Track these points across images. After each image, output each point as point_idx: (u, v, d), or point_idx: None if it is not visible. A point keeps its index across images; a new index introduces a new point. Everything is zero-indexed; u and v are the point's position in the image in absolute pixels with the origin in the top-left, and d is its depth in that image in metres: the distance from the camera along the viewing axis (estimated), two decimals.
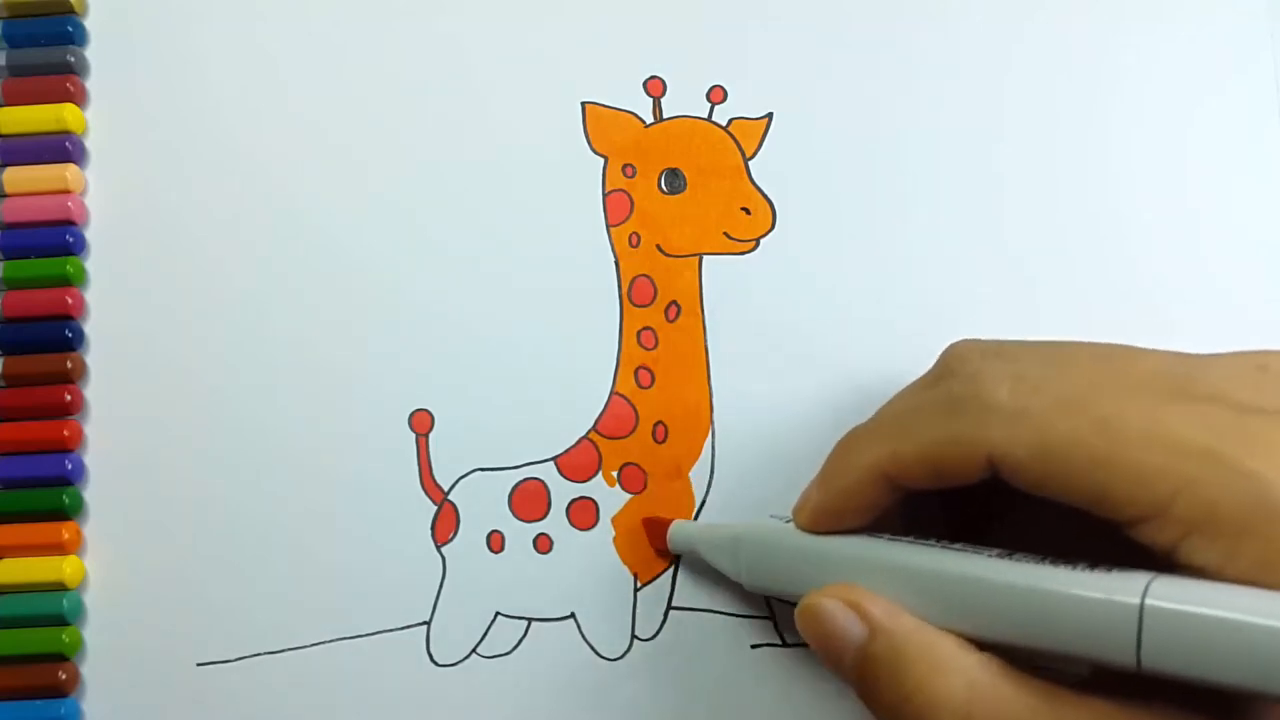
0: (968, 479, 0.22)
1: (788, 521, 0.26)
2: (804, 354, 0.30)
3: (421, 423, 0.30)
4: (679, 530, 0.29)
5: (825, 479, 0.25)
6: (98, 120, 0.32)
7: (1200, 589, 0.19)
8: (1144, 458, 0.20)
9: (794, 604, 0.24)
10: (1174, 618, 0.19)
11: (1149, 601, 0.19)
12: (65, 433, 0.30)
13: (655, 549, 0.29)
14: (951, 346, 0.24)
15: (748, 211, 0.31)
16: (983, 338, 0.25)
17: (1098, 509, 0.20)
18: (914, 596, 0.22)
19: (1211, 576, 0.19)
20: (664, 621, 0.29)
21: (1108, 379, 0.21)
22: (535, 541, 0.29)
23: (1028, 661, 0.21)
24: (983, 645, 0.22)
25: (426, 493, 0.30)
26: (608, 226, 0.31)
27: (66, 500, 0.29)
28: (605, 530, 0.29)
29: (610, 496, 0.30)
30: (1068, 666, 0.21)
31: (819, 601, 0.23)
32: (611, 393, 0.30)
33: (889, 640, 0.22)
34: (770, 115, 0.31)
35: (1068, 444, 0.20)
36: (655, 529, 0.29)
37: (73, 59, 0.31)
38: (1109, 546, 0.21)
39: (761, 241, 0.31)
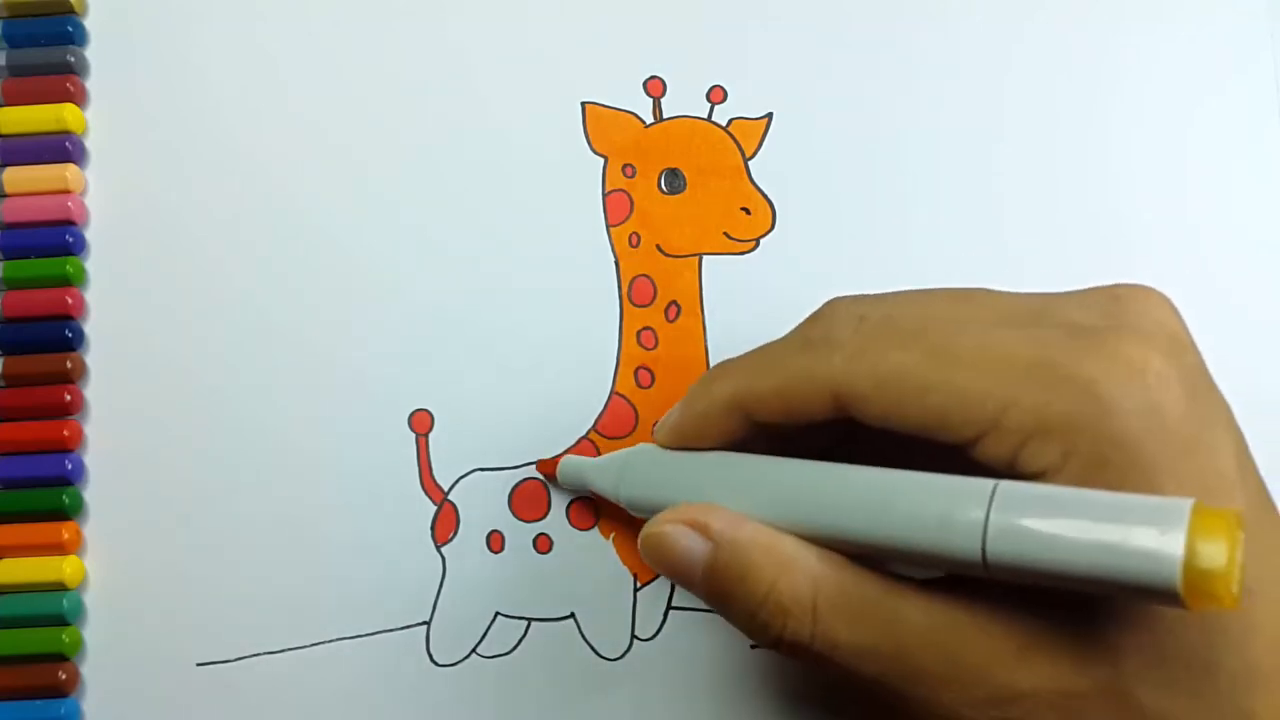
0: (817, 414, 0.23)
1: None
2: None
3: (421, 423, 0.30)
4: (568, 463, 0.29)
5: (686, 402, 0.25)
6: (98, 120, 0.32)
7: (1045, 488, 0.19)
8: (973, 377, 0.20)
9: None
10: (1020, 511, 0.19)
11: (997, 498, 0.19)
12: (65, 433, 0.30)
13: (545, 475, 0.29)
14: (824, 303, 0.25)
15: (748, 211, 0.31)
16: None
17: (937, 434, 0.21)
18: (765, 504, 0.23)
19: (1050, 478, 0.20)
20: (664, 621, 0.29)
21: (954, 315, 0.22)
22: (535, 541, 0.29)
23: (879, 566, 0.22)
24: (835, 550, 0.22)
25: (426, 493, 0.30)
26: (608, 226, 0.31)
27: (66, 500, 0.29)
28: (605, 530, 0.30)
29: None
30: (917, 570, 0.22)
31: (659, 529, 0.23)
32: (611, 393, 0.30)
33: (732, 550, 0.22)
34: (770, 115, 0.31)
35: (900, 373, 0.21)
36: (547, 466, 0.29)
37: (73, 59, 0.31)
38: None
39: (761, 241, 0.31)
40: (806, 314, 0.30)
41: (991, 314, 0.22)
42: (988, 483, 0.20)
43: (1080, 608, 0.20)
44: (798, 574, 0.22)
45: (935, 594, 0.21)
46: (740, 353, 0.30)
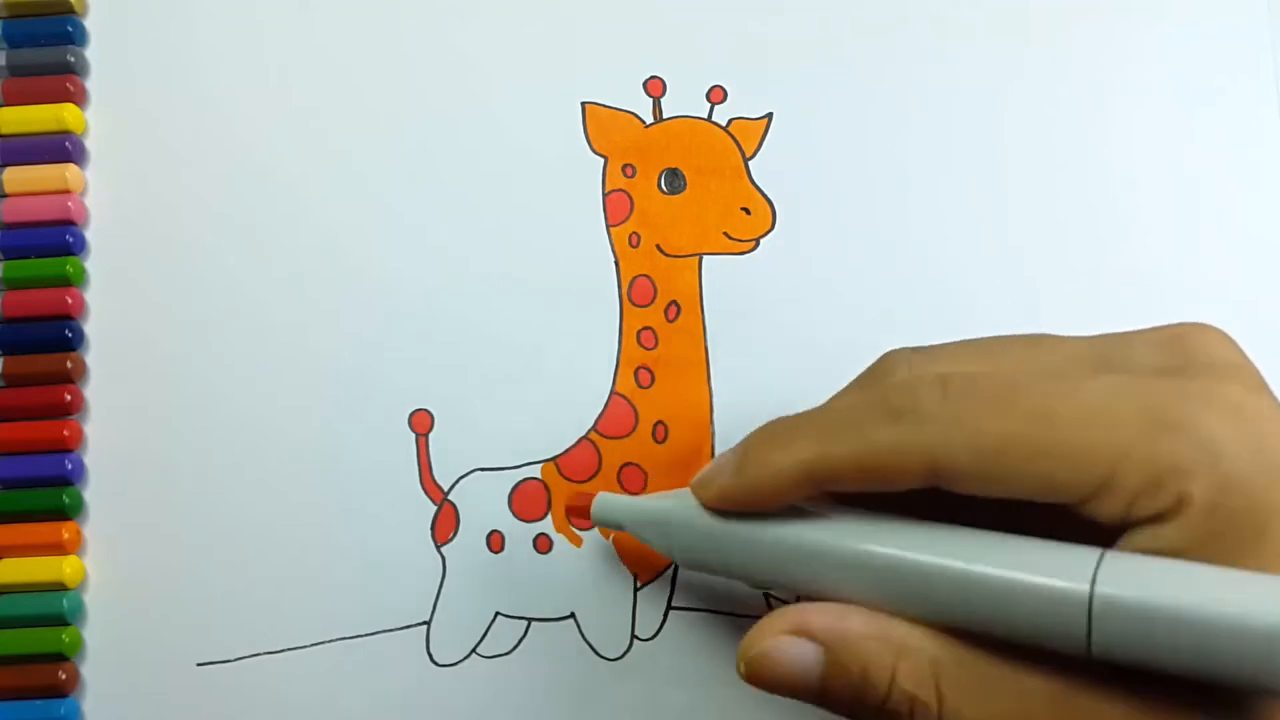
0: (904, 485, 0.22)
1: None
2: (804, 354, 0.30)
3: (421, 423, 0.30)
4: (605, 504, 0.27)
5: (743, 465, 0.23)
6: (98, 120, 0.32)
7: (1148, 564, 0.19)
8: (1079, 438, 0.20)
9: (723, 646, 0.24)
10: (1124, 604, 0.19)
11: (1098, 589, 0.19)
12: (65, 433, 0.30)
13: (576, 525, 0.29)
14: (880, 357, 0.24)
15: (748, 211, 0.31)
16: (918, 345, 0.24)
17: (1045, 498, 0.20)
18: (856, 583, 0.22)
19: (1162, 527, 0.19)
20: (664, 621, 0.29)
21: (1032, 367, 0.22)
22: (535, 541, 0.29)
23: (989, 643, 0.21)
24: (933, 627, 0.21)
25: (426, 493, 0.30)
26: (608, 226, 0.31)
27: (66, 500, 0.29)
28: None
29: None
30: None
31: (759, 650, 0.22)
32: (611, 393, 0.30)
33: (846, 648, 0.21)
34: (770, 115, 0.31)
35: (1003, 442, 0.20)
36: (577, 507, 0.28)
37: (73, 59, 0.31)
38: (1044, 519, 0.21)
39: (761, 241, 0.31)
40: (806, 314, 0.30)
41: (1067, 362, 0.22)
42: (1090, 560, 0.19)
43: (1186, 690, 0.19)
44: (917, 658, 0.21)
45: (1054, 661, 0.20)
46: (740, 352, 0.30)
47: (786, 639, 0.22)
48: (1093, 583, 0.19)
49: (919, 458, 0.21)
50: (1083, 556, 0.19)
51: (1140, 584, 0.19)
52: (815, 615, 0.22)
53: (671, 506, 0.25)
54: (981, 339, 0.24)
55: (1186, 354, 0.21)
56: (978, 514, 0.22)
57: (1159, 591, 0.18)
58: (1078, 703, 0.20)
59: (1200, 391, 0.20)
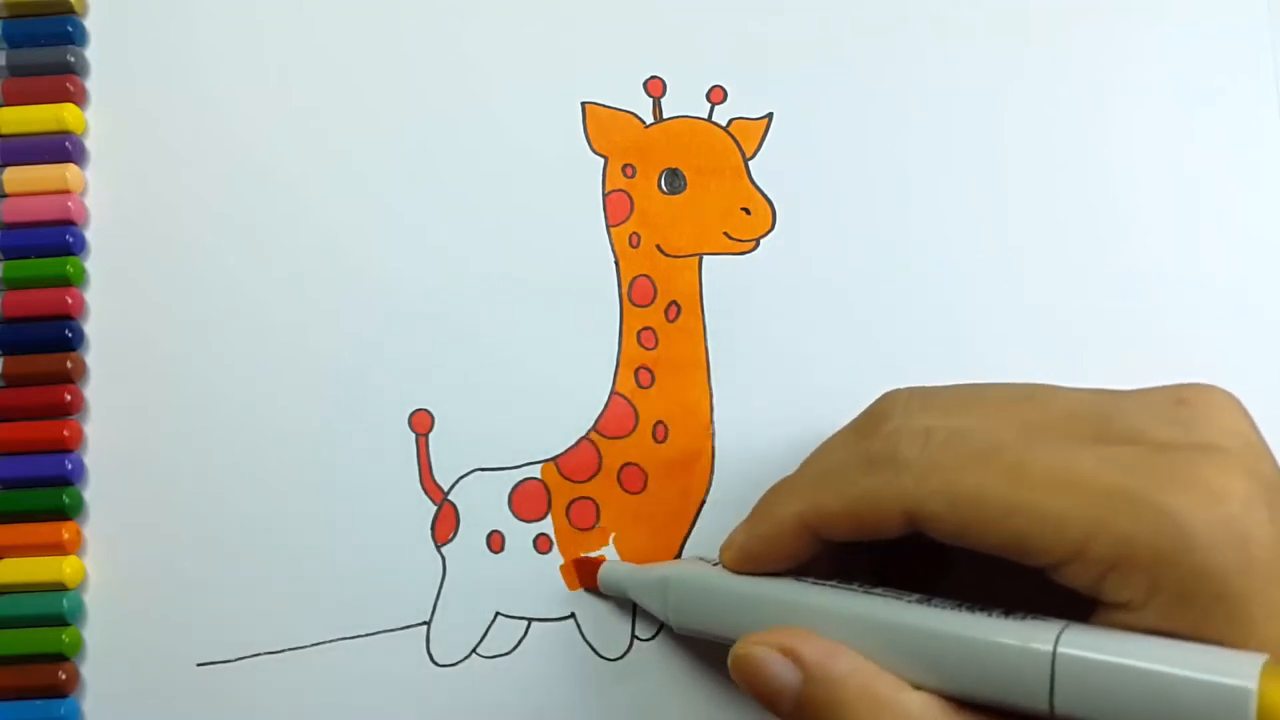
0: (889, 533, 0.22)
1: (715, 564, 0.26)
2: (804, 354, 0.30)
3: (421, 423, 0.30)
4: (609, 571, 0.29)
5: (751, 523, 0.25)
6: (98, 120, 0.32)
7: (1110, 637, 0.19)
8: (1054, 502, 0.20)
9: (723, 646, 0.24)
10: (1085, 665, 0.19)
11: (1061, 649, 0.19)
12: (65, 433, 0.30)
13: (585, 587, 0.29)
14: (880, 397, 0.25)
15: (748, 211, 0.31)
16: (916, 385, 0.25)
17: (1016, 557, 0.20)
18: (833, 636, 0.22)
19: (1135, 612, 0.19)
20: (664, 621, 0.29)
21: (1021, 424, 0.22)
22: (535, 541, 0.29)
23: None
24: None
25: (426, 493, 0.30)
26: (608, 226, 0.31)
27: (66, 500, 0.29)
28: (605, 531, 0.29)
29: (610, 496, 0.30)
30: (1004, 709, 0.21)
31: (750, 650, 0.23)
32: (611, 393, 0.30)
33: (825, 686, 0.22)
34: (770, 115, 0.31)
35: (978, 494, 0.21)
36: (586, 569, 0.29)
37: (73, 59, 0.31)
38: (1036, 593, 0.21)
39: (761, 241, 0.31)
40: (806, 314, 0.30)
41: (1056, 421, 0.22)
42: (1052, 632, 0.20)
43: None
44: (893, 718, 0.21)
45: None
46: (740, 352, 0.30)
47: (774, 654, 0.23)
48: (1056, 642, 0.19)
49: (895, 504, 0.22)
50: (1047, 623, 0.20)
51: (1100, 644, 0.19)
52: (809, 645, 0.22)
53: (670, 571, 0.27)
54: (979, 386, 0.24)
55: (1186, 425, 0.21)
56: (970, 582, 0.22)
57: (1117, 650, 0.19)
58: None
59: (1186, 475, 0.20)
